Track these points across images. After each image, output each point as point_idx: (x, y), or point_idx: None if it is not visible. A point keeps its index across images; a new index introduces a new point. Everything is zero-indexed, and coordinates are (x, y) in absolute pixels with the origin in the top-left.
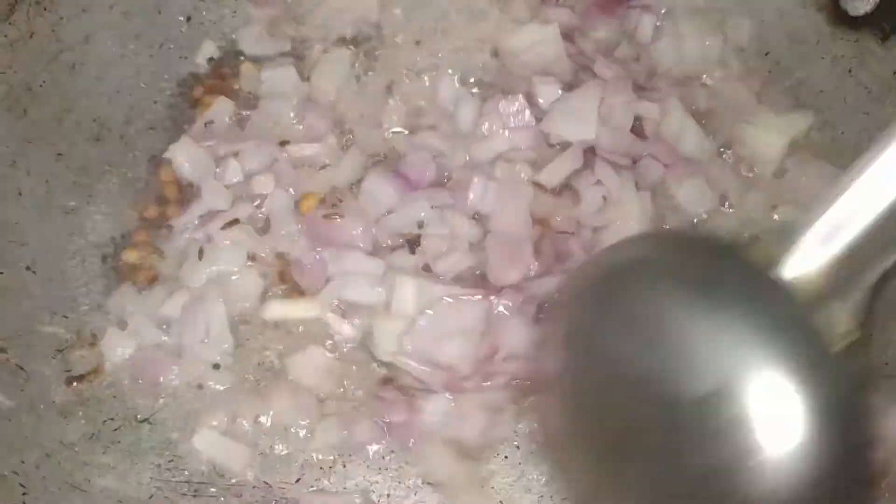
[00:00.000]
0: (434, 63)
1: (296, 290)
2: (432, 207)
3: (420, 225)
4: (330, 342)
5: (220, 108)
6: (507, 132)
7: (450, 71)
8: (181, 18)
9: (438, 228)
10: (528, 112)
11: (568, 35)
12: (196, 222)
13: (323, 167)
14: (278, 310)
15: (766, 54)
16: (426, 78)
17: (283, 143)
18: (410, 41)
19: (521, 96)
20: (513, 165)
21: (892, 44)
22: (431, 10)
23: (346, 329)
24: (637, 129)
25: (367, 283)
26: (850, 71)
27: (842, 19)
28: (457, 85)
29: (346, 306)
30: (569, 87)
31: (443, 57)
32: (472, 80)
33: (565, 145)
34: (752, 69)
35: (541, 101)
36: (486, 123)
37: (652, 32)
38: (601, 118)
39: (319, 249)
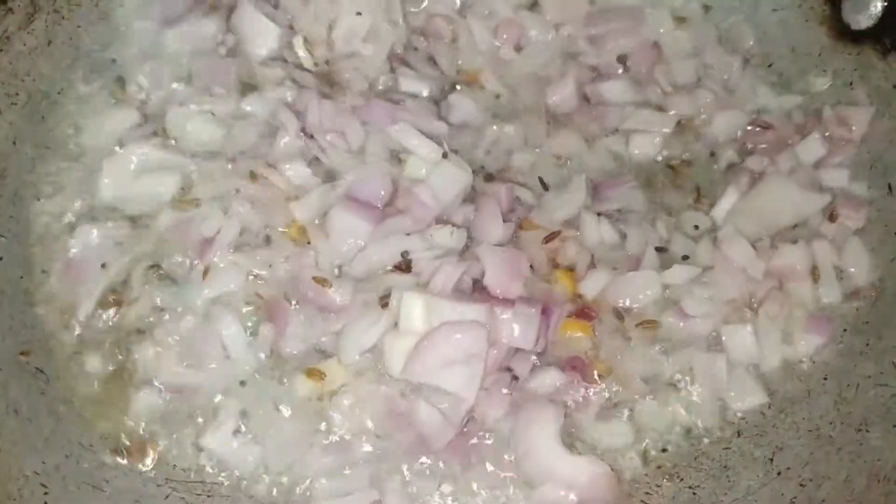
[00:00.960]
0: None
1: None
2: (407, 234)
3: (405, 255)
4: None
5: None
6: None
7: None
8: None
9: (423, 250)
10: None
11: None
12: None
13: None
14: (311, 388)
15: (769, 66)
16: None
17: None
18: None
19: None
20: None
21: (893, 58)
22: None
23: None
24: None
25: (369, 324)
26: (850, 84)
27: (843, 33)
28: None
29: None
30: None
31: None
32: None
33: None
34: None
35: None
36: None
37: None
38: None
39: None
